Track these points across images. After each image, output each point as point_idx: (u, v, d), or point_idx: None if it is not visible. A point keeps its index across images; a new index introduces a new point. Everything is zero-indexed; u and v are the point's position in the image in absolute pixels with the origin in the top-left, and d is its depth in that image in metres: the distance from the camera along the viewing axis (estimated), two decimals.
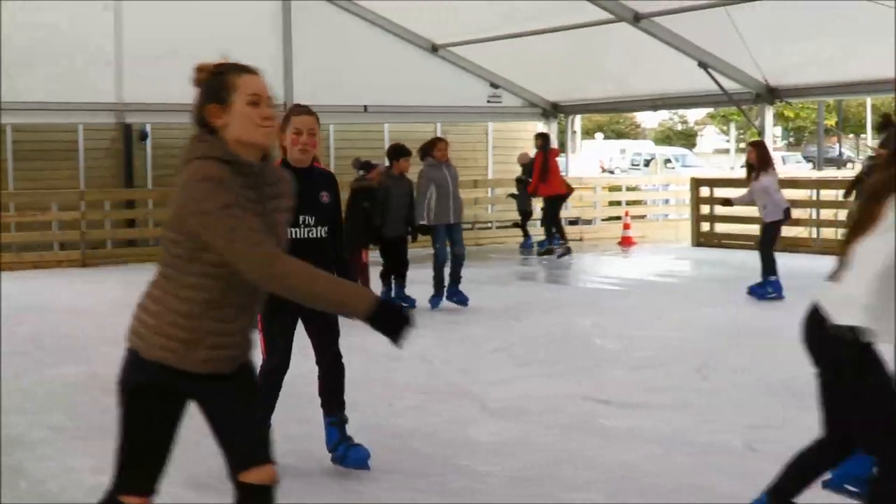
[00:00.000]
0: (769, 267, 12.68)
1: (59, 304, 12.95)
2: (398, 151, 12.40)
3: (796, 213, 19.09)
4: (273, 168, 3.86)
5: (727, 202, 13.89)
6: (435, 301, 12.20)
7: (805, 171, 48.64)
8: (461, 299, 12.21)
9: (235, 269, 3.57)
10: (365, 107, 20.60)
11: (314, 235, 6.02)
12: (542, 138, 18.54)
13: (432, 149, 12.19)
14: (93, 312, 12.29)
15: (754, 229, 19.43)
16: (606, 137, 56.32)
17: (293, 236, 5.48)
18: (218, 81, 3.77)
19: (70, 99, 17.81)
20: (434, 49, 21.00)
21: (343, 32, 20.02)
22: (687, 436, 6.78)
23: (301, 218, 5.85)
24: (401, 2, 19.55)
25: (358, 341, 9.97)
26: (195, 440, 4.49)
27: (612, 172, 42.92)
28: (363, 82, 20.22)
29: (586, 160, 37.89)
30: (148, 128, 19.69)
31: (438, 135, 22.14)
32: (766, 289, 12.72)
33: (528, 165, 19.27)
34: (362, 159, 12.68)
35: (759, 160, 12.76)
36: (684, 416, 7.32)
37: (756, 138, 14.54)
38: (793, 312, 11.32)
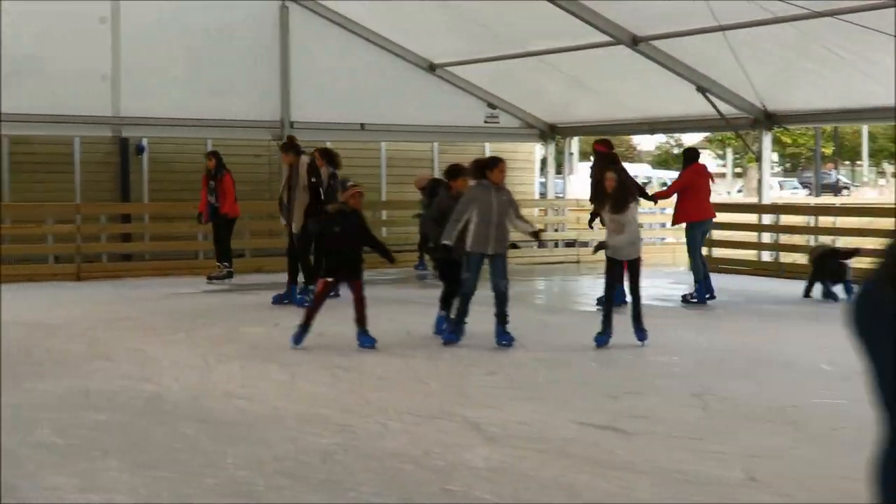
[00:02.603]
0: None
1: (51, 318, 12.84)
2: (456, 171, 11.72)
3: (793, 240, 19.10)
4: None
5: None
6: (449, 336, 11.06)
7: (802, 197, 48.71)
8: (506, 340, 10.96)
9: None
10: (362, 125, 20.57)
11: None
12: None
13: (490, 169, 11.08)
14: (85, 327, 12.19)
15: (752, 254, 19.49)
16: None
17: None
18: None
19: (67, 112, 17.83)
20: (432, 68, 20.97)
21: (341, 51, 20.04)
22: (684, 465, 6.68)
23: None
24: (399, 21, 19.56)
25: (351, 361, 10.02)
26: None
27: None
28: (360, 100, 20.24)
29: (583, 182, 37.84)
30: (144, 142, 19.63)
31: (436, 155, 22.17)
32: None
33: (427, 189, 19.17)
34: (343, 179, 12.15)
35: (623, 187, 11.27)
36: (681, 444, 7.23)
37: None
38: (792, 339, 11.30)
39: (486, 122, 21.80)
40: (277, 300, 14.18)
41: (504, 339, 10.94)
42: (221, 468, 6.54)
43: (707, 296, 14.69)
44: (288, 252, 14.36)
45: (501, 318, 11.00)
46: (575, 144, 23.65)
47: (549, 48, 18.33)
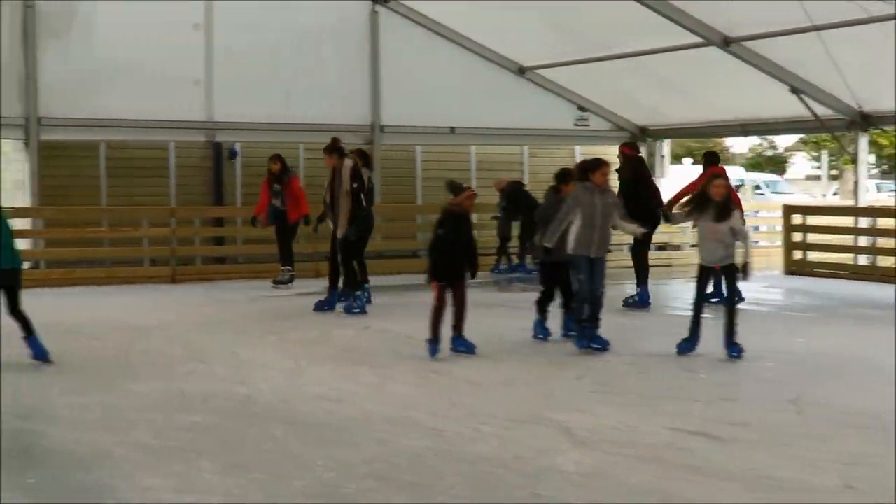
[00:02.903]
0: None
1: (147, 321, 13.03)
2: (566, 175, 11.57)
3: (891, 243, 18.71)
4: None
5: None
6: (582, 343, 10.86)
7: None
8: (599, 344, 10.83)
9: None
10: (452, 128, 20.59)
11: None
12: None
13: (592, 171, 10.97)
14: (180, 329, 12.37)
15: (848, 258, 19.14)
16: (695, 162, 55.73)
17: None
18: None
19: (161, 117, 18.10)
20: (521, 71, 20.94)
21: (430, 54, 20.09)
22: (778, 471, 6.58)
23: None
24: (489, 24, 19.55)
25: (441, 364, 10.03)
26: None
27: None
28: (450, 104, 20.26)
29: (675, 185, 37.37)
30: (237, 146, 19.87)
31: (525, 158, 22.10)
32: None
33: (506, 192, 19.15)
34: (454, 182, 11.36)
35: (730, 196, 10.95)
36: (775, 450, 7.12)
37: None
38: (889, 344, 11.03)
39: (576, 124, 21.70)
40: (319, 307, 13.90)
41: (597, 342, 10.86)
42: (311, 470, 6.59)
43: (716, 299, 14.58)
44: (330, 257, 14.17)
45: (594, 322, 10.92)
46: (666, 147, 23.37)
47: (640, 50, 18.18)
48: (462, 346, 10.56)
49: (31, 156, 17.47)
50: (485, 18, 19.24)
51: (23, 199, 17.30)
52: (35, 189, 17.43)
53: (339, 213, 13.71)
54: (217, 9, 18.53)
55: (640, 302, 14.34)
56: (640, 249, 14.70)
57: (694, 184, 15.57)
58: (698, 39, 16.98)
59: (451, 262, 10.50)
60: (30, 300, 10.00)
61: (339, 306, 13.72)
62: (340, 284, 13.90)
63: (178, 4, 18.14)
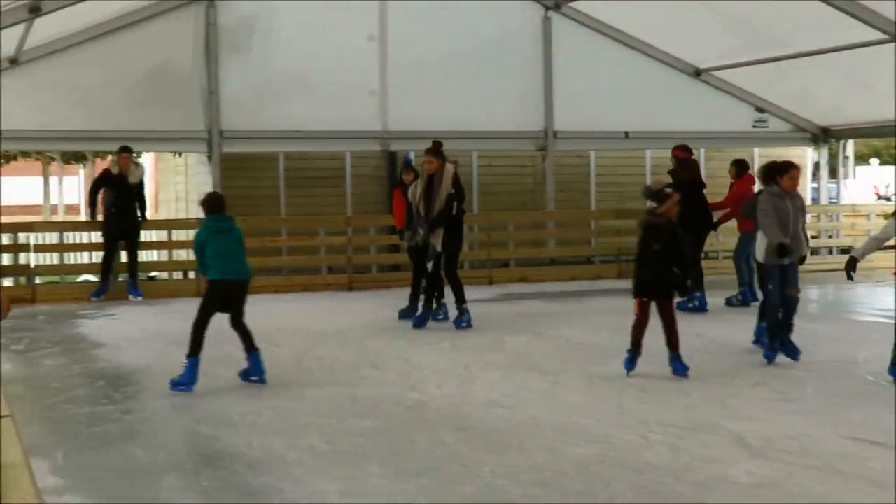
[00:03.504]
0: None
1: (323, 327, 13.26)
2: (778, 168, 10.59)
3: None
4: None
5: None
6: (769, 355, 10.40)
7: None
8: (790, 351, 10.37)
9: None
10: (626, 133, 20.34)
11: None
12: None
13: (780, 174, 10.47)
14: (355, 335, 12.54)
15: None
16: (883, 163, 53.89)
17: None
18: None
19: (338, 127, 18.39)
20: (697, 73, 20.56)
21: (604, 58, 19.88)
22: None
23: None
24: (663, 26, 19.27)
25: (612, 371, 9.89)
26: None
27: (888, 199, 41.01)
28: (624, 108, 20.00)
29: (861, 186, 36.19)
30: (412, 155, 20.06)
31: (702, 161, 21.68)
32: None
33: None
34: (654, 187, 10.32)
35: None
36: None
37: None
38: None
39: (754, 126, 21.18)
40: (416, 323, 13.19)
41: (785, 348, 10.45)
42: (479, 476, 6.58)
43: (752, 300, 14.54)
44: (413, 268, 13.73)
45: (788, 328, 10.43)
46: (850, 147, 22.66)
47: (821, 48, 17.64)
48: (679, 367, 9.77)
49: (214, 168, 17.97)
50: (659, 20, 18.96)
51: None
52: None
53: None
54: (391, 20, 18.75)
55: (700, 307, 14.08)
56: (696, 256, 14.19)
57: (728, 197, 15.17)
58: (883, 35, 16.37)
59: (659, 277, 9.76)
60: None
61: (452, 321, 13.12)
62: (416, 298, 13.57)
63: (354, 17, 18.43)
